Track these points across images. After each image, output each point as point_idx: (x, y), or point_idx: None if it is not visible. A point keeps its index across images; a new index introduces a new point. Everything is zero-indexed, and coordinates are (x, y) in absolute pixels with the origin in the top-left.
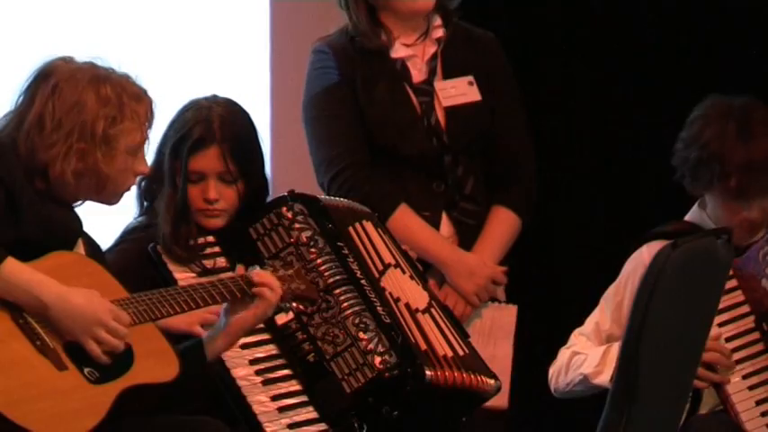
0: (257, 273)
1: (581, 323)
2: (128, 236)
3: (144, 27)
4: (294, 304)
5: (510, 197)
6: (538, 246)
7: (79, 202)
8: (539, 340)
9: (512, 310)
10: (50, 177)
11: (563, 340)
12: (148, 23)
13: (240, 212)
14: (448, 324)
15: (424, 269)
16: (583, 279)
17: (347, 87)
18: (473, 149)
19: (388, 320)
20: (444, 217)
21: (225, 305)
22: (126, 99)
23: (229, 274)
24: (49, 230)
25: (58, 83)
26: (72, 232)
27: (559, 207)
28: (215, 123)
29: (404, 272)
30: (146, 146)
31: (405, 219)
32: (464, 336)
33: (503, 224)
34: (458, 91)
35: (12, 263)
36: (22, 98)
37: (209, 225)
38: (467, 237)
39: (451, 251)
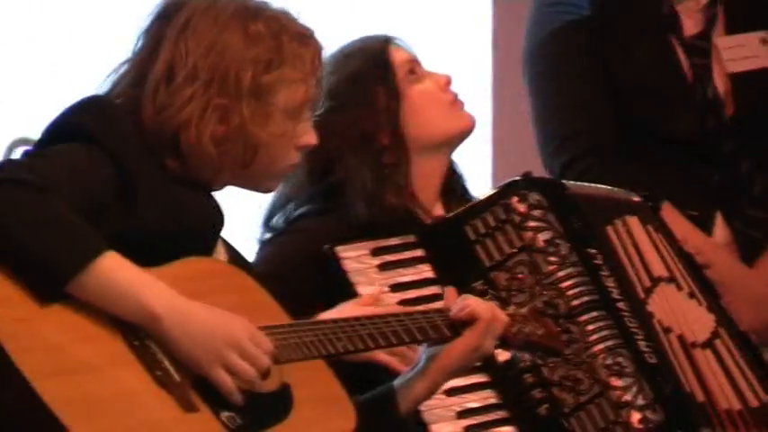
0: (469, 301)
1: None
2: (293, 226)
3: None
4: (527, 355)
5: None
6: None
7: (218, 188)
8: None
9: None
10: (183, 148)
11: None
12: None
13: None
14: (741, 361)
15: None
16: None
17: (597, 31)
18: (763, 133)
19: (654, 361)
20: (719, 219)
21: None
22: (286, 39)
23: (435, 305)
24: (180, 225)
25: (191, 18)
26: (211, 228)
27: None
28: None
29: (680, 287)
30: (311, 109)
31: (669, 222)
32: (766, 375)
33: None
34: (747, 51)
35: (114, 259)
36: (141, 43)
37: (467, 119)
38: (750, 253)
39: (731, 266)
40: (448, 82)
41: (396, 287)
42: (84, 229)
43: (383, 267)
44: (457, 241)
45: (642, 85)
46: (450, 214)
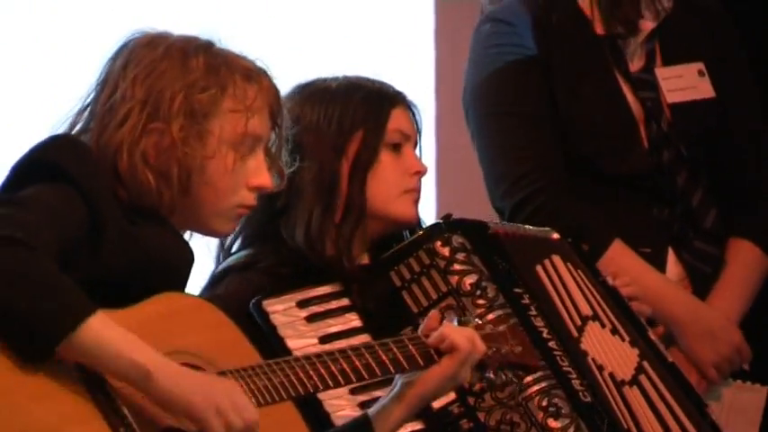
0: (448, 331)
1: None
2: (216, 288)
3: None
4: (505, 374)
5: (753, 225)
6: None
7: (173, 219)
8: None
9: (761, 393)
10: (120, 172)
11: None
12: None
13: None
14: (667, 394)
15: None
16: None
17: (541, 69)
18: (712, 164)
19: (588, 399)
20: (671, 255)
21: None
22: (225, 71)
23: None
24: (147, 264)
25: (134, 48)
26: (182, 266)
27: None
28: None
29: (603, 325)
30: (266, 148)
31: (620, 260)
32: (696, 404)
33: (746, 265)
34: (686, 82)
35: (101, 319)
36: (95, 88)
37: (412, 212)
38: (702, 288)
39: (687, 303)
40: (420, 172)
41: (325, 338)
42: (74, 290)
43: (311, 319)
44: (383, 288)
45: (591, 122)
46: (376, 261)
